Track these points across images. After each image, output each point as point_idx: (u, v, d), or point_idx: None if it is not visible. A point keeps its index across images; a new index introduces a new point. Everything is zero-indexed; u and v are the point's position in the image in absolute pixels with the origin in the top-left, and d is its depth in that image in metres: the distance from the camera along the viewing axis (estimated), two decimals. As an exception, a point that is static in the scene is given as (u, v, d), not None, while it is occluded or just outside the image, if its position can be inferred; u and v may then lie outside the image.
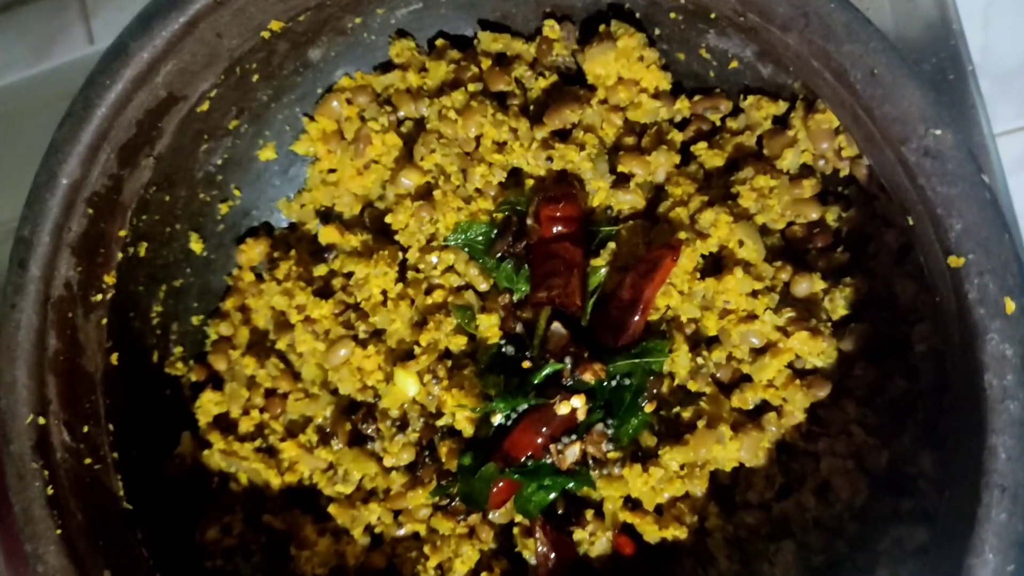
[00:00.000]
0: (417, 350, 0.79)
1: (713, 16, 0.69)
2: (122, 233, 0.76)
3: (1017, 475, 0.55)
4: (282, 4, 0.72)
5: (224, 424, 0.84)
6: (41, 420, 0.70)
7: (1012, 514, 0.55)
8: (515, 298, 0.78)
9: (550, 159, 0.77)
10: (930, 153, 0.56)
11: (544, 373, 0.74)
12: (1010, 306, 0.55)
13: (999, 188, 0.88)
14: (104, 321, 0.76)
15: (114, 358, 0.77)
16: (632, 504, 0.75)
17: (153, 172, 0.76)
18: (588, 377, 0.72)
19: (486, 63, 0.80)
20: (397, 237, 0.81)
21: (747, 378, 0.73)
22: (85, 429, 0.74)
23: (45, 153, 0.70)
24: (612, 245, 0.76)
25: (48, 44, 1.15)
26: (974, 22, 1.17)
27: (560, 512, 0.76)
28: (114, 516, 0.75)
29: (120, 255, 0.76)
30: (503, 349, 0.77)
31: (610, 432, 0.74)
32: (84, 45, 1.14)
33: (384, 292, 0.80)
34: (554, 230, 0.75)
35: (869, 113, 0.58)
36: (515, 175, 0.80)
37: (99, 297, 0.75)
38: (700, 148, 0.77)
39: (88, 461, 0.74)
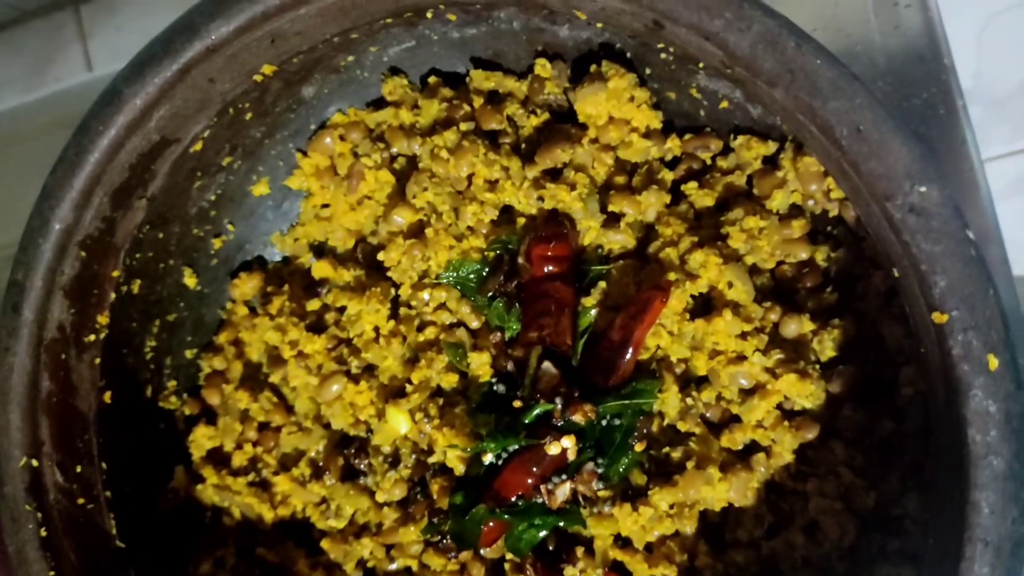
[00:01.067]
0: (409, 387, 0.79)
1: (701, 65, 0.70)
2: (115, 273, 0.77)
3: (1000, 529, 0.55)
4: (274, 49, 0.72)
5: (217, 458, 0.84)
6: (34, 462, 0.71)
7: (995, 567, 0.55)
8: (506, 336, 0.78)
9: (541, 198, 0.78)
10: (915, 210, 0.56)
11: (535, 413, 0.74)
12: (993, 363, 0.56)
13: (989, 217, 0.89)
14: (97, 360, 0.77)
15: (107, 396, 0.78)
16: (622, 542, 0.75)
17: (146, 212, 0.77)
18: (578, 418, 0.73)
19: (478, 101, 0.81)
20: (390, 273, 0.81)
21: (736, 419, 0.74)
22: (78, 469, 0.75)
23: (38, 198, 0.71)
24: (603, 284, 0.77)
25: (45, 64, 1.16)
26: (967, 48, 1.18)
27: (551, 549, 0.76)
28: (107, 555, 0.75)
29: (113, 295, 0.77)
30: (494, 387, 0.78)
31: (600, 471, 0.74)
32: (82, 70, 1.14)
33: (376, 328, 0.81)
34: (545, 269, 0.76)
35: (855, 168, 0.58)
36: (507, 213, 0.80)
37: (92, 337, 0.76)
38: (690, 188, 0.78)
39: (81, 501, 0.74)
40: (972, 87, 1.16)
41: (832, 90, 0.58)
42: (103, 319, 0.76)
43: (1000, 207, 0.90)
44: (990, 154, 1.19)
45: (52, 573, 0.70)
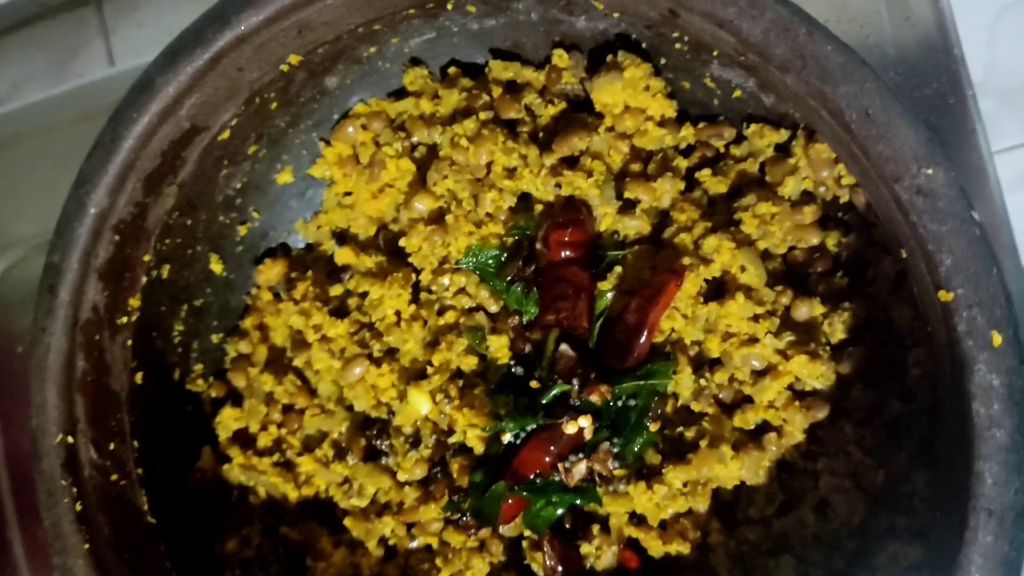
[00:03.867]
0: (430, 369, 0.81)
1: (715, 53, 0.71)
2: (146, 258, 0.79)
3: (1003, 499, 0.57)
4: (300, 39, 0.74)
5: (243, 439, 0.86)
6: (70, 439, 0.73)
7: (998, 536, 0.57)
8: (524, 320, 0.80)
9: (559, 185, 0.80)
10: (922, 191, 0.58)
11: (552, 393, 0.76)
12: (997, 339, 0.57)
13: (998, 207, 0.90)
14: (129, 342, 0.79)
15: (138, 377, 0.80)
16: (637, 520, 0.77)
17: (176, 199, 0.79)
18: (595, 398, 0.75)
19: (497, 91, 0.83)
20: (411, 259, 0.83)
21: (748, 399, 0.75)
22: (111, 446, 0.77)
23: (74, 183, 0.73)
24: (618, 269, 0.79)
25: (68, 59, 1.17)
26: (979, 39, 1.19)
27: (567, 527, 0.78)
28: (139, 530, 0.78)
29: (144, 278, 0.79)
30: (512, 369, 0.79)
31: (616, 450, 0.76)
32: (105, 65, 1.15)
33: (398, 312, 0.83)
34: (562, 254, 0.78)
35: (864, 151, 0.60)
36: (525, 200, 0.82)
37: (124, 319, 0.78)
38: (704, 175, 0.80)
39: (114, 477, 0.76)
40: (983, 79, 1.17)
41: (842, 75, 0.60)
42: (135, 302, 0.79)
43: (1010, 199, 0.91)
44: (1001, 146, 1.20)
45: (87, 546, 0.72)
